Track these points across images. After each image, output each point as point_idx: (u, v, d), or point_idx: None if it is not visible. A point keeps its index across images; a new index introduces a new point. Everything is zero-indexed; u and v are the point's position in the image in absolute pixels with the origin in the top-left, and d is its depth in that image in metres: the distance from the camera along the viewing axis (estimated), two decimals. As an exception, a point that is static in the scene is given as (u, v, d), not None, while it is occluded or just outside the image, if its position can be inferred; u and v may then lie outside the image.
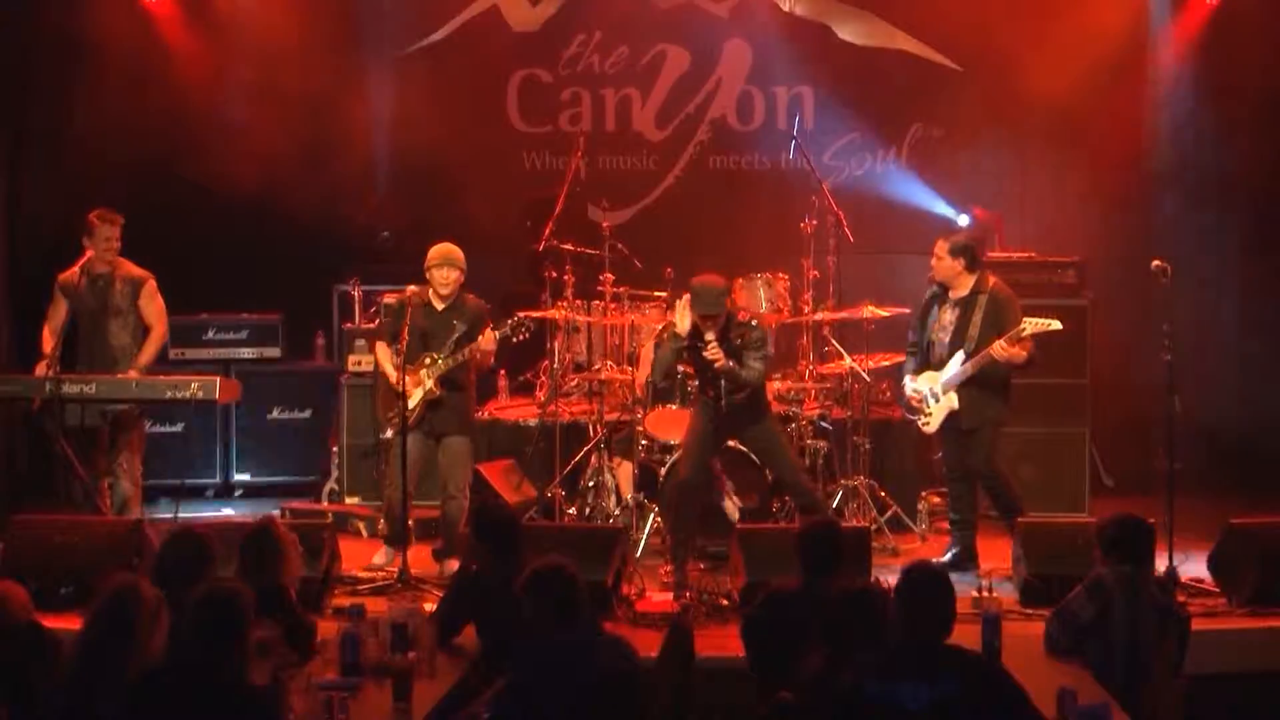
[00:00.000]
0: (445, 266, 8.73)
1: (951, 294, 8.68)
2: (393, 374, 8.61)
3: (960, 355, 8.55)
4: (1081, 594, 6.21)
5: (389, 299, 9.48)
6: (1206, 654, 6.69)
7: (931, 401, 8.68)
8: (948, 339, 8.64)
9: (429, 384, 8.63)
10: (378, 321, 9.49)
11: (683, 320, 8.39)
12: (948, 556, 8.69)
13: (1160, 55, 11.48)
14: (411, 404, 8.55)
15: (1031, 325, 8.36)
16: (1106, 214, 10.99)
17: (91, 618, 5.08)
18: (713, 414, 8.47)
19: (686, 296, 8.39)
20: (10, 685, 4.87)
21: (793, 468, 8.71)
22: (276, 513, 9.41)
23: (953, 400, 8.59)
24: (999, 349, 8.36)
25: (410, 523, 8.66)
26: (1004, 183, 11.67)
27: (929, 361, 8.74)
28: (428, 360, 8.63)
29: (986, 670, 5.12)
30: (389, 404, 8.79)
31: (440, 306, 8.75)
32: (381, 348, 8.95)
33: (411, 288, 8.84)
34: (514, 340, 8.81)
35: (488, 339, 8.67)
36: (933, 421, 8.71)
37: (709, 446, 8.66)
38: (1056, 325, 8.40)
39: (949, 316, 8.66)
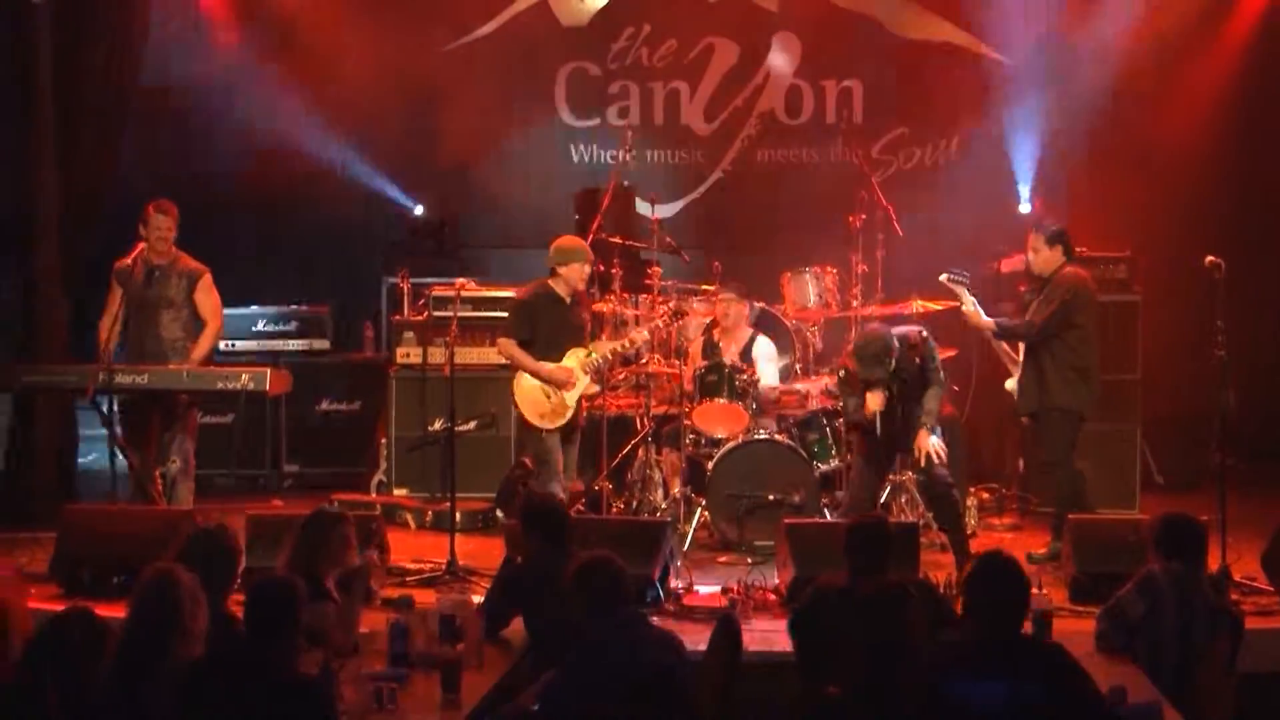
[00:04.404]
0: (585, 263, 8.74)
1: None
2: (535, 366, 8.58)
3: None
4: (1132, 591, 6.16)
5: (515, 293, 9.34)
6: (1259, 653, 6.63)
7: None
8: None
9: (586, 378, 8.70)
10: (512, 322, 8.85)
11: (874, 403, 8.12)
12: (1045, 550, 8.61)
13: (1214, 51, 11.37)
14: (571, 400, 8.66)
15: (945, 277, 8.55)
16: (1159, 209, 10.90)
17: (133, 607, 5.10)
18: (886, 422, 8.26)
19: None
20: (64, 673, 4.90)
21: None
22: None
23: (1013, 387, 8.61)
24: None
25: (458, 516, 8.70)
26: (1054, 176, 11.59)
27: None
28: (577, 355, 8.68)
29: (1070, 667, 5.03)
30: (538, 404, 8.65)
31: (568, 301, 8.76)
32: (512, 345, 8.73)
33: (520, 290, 8.91)
34: (668, 330, 9.04)
35: (641, 334, 8.91)
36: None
37: (884, 466, 8.58)
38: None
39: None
